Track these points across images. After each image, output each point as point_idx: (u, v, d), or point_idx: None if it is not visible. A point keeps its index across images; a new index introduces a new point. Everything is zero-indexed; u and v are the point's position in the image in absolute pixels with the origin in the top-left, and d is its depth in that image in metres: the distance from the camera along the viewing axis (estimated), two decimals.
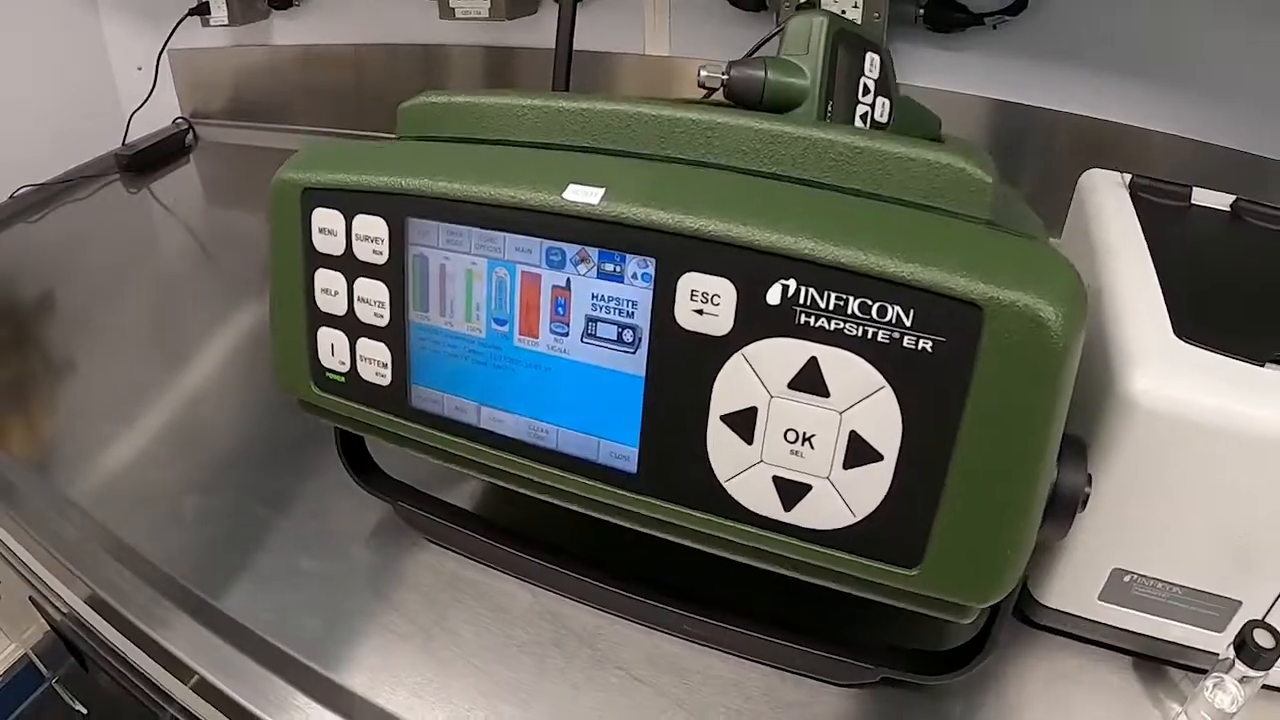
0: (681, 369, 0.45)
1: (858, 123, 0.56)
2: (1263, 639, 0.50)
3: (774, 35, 0.88)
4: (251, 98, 1.48)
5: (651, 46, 1.06)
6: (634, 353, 0.46)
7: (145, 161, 1.44)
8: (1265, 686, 0.53)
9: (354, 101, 1.38)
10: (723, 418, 0.45)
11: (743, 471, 0.45)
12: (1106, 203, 0.70)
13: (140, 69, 1.47)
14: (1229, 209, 0.71)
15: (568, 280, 0.47)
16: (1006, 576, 0.43)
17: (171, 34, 1.36)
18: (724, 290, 0.43)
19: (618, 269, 0.45)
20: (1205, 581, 0.54)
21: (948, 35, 0.92)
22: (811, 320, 0.41)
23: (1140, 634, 0.58)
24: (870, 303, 0.40)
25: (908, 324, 0.40)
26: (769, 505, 0.45)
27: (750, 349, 0.43)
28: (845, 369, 0.41)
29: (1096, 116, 0.91)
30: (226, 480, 0.78)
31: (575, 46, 1.09)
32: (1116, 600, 0.57)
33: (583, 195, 0.45)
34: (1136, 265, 0.60)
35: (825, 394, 0.42)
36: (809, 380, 0.42)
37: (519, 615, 0.63)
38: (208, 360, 0.95)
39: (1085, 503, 0.48)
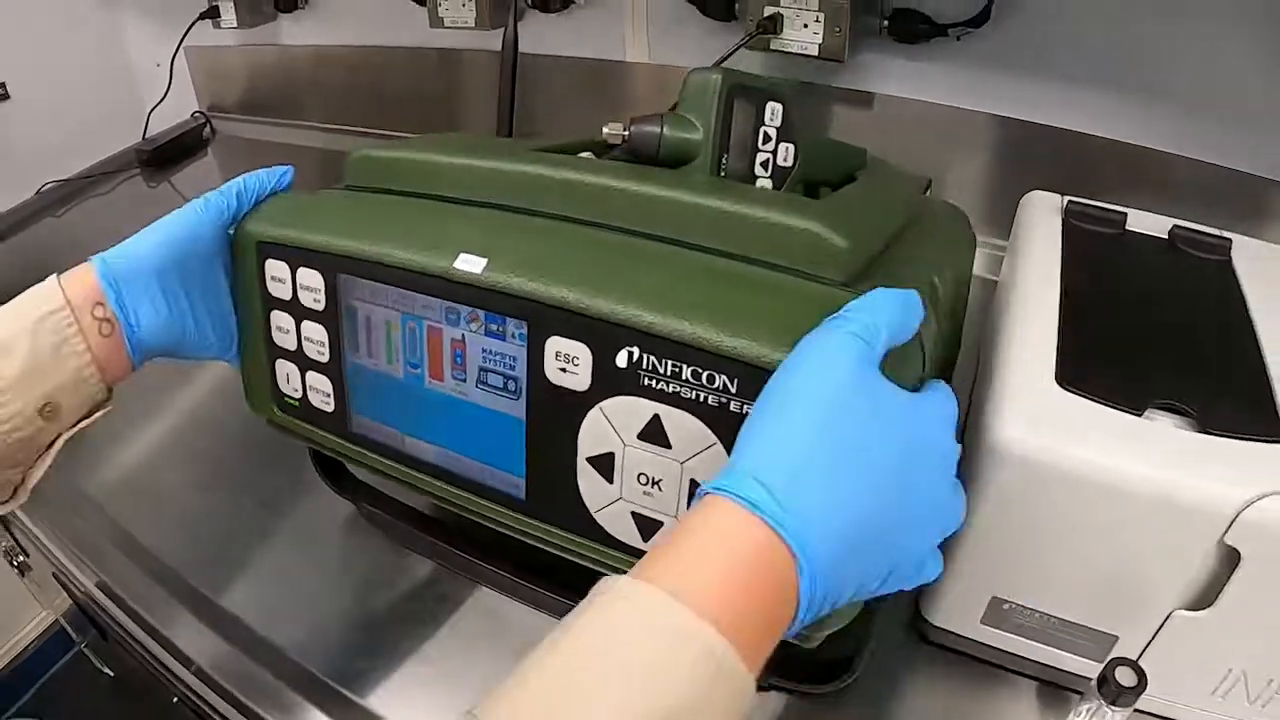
0: (554, 416, 0.52)
1: (759, 169, 0.61)
2: (1124, 678, 0.51)
3: (740, 47, 0.93)
4: (266, 93, 1.56)
5: (631, 53, 1.11)
6: (517, 399, 0.53)
7: (165, 155, 1.53)
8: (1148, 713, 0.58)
9: (363, 100, 1.45)
10: (588, 459, 0.51)
11: (607, 506, 0.52)
12: (1036, 228, 0.72)
13: (159, 65, 1.55)
14: (1166, 235, 0.72)
15: (463, 335, 0.54)
16: None
17: (186, 33, 1.43)
18: (581, 353, 0.49)
19: (500, 329, 0.52)
20: (1080, 615, 0.57)
21: (913, 46, 0.94)
22: (653, 383, 0.47)
23: (1023, 657, 0.61)
24: (701, 371, 0.46)
25: (733, 390, 0.45)
26: (630, 535, 0.52)
27: (606, 404, 0.49)
28: (683, 426, 0.47)
29: (1061, 126, 0.93)
30: (230, 480, 0.87)
31: (562, 53, 1.15)
32: (998, 624, 0.61)
33: (469, 265, 0.52)
34: (1040, 304, 0.63)
35: (668, 445, 0.48)
36: (654, 433, 0.48)
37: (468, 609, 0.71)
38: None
39: None
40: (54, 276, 0.53)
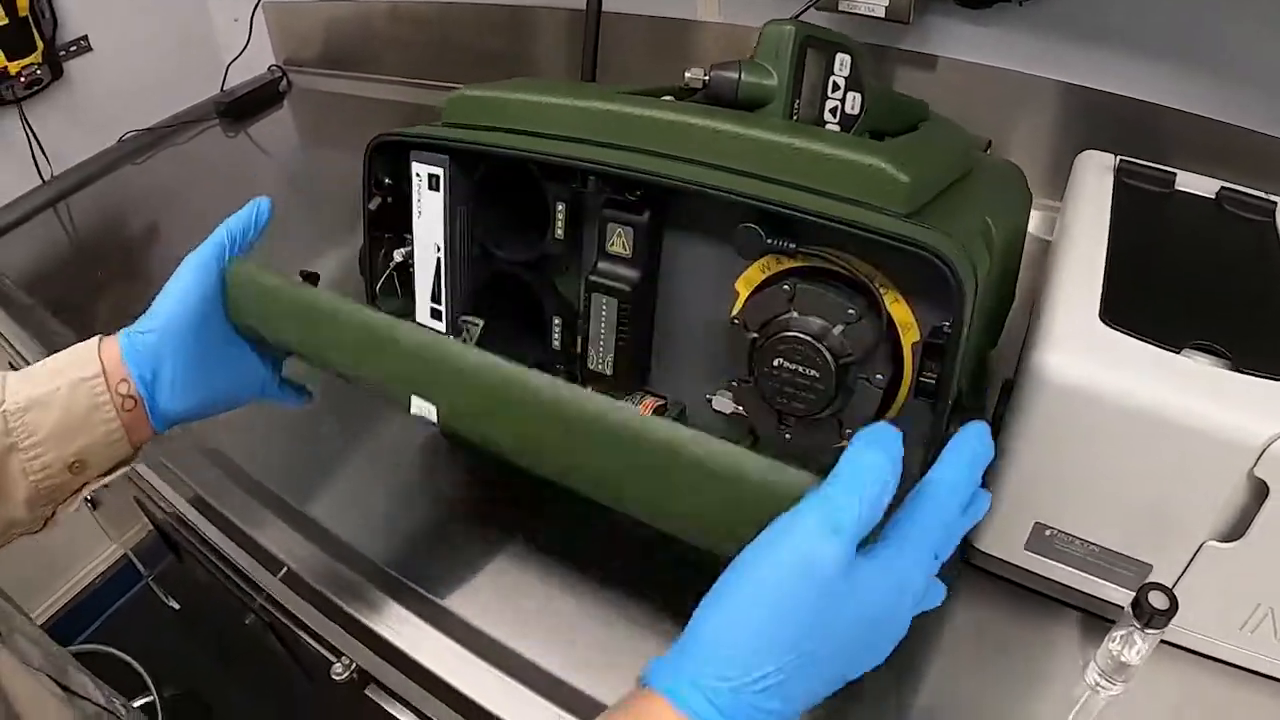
0: None
1: (828, 116, 0.67)
2: (1157, 600, 0.55)
3: (809, 7, 0.99)
4: (341, 48, 1.62)
5: (703, 12, 1.17)
6: None
7: (243, 108, 1.60)
8: (1179, 646, 0.62)
9: (436, 54, 1.50)
10: None
11: None
12: (1088, 185, 0.77)
13: (236, 20, 1.62)
14: (1214, 196, 0.76)
15: None
16: None
17: None
18: None
19: None
20: (1118, 543, 0.62)
21: (977, 10, 0.99)
22: None
23: (1061, 583, 0.66)
24: None
25: None
26: None
27: None
28: None
29: (1119, 93, 0.97)
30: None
31: (632, 11, 1.21)
32: (1040, 551, 0.66)
33: (422, 409, 0.54)
34: (1089, 247, 0.68)
35: None
36: None
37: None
38: None
39: None
40: (95, 340, 0.58)
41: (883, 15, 0.99)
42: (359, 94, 1.60)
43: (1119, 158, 0.80)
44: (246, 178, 1.46)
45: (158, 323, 0.58)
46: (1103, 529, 0.62)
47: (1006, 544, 0.68)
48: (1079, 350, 0.59)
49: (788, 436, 0.61)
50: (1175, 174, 0.78)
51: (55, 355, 0.58)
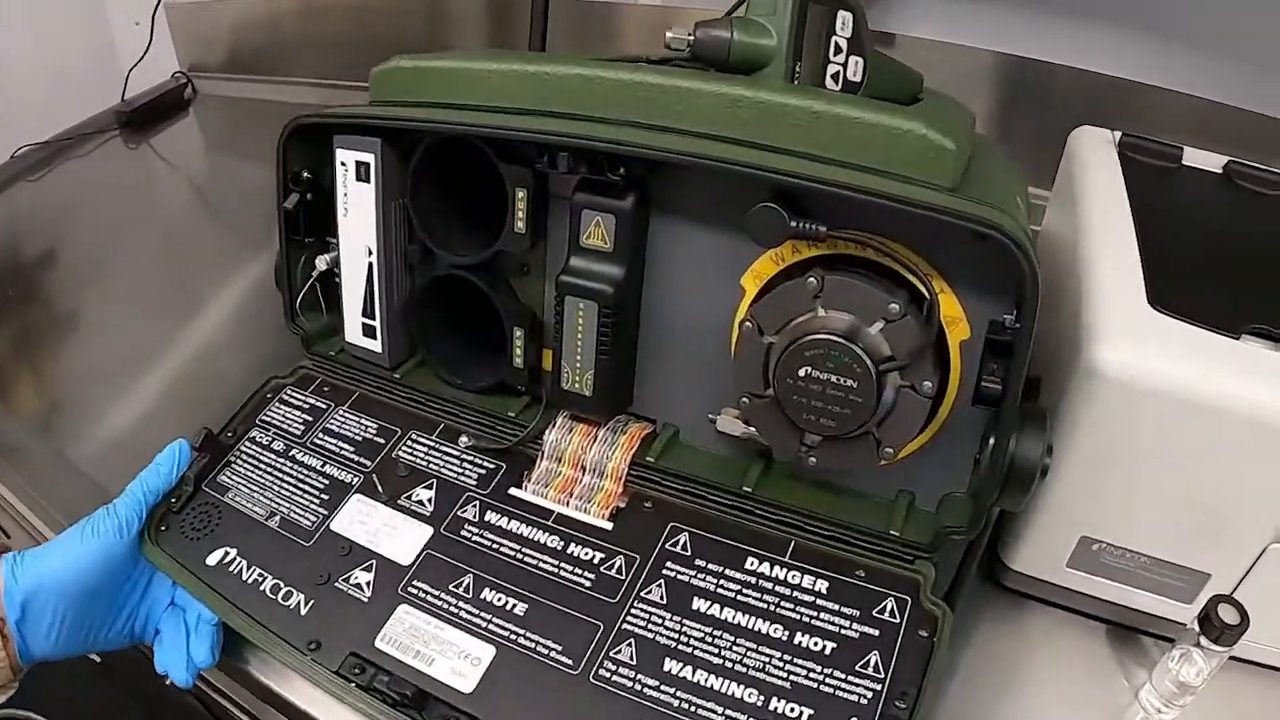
0: None
1: (829, 82, 0.55)
2: (1227, 615, 0.49)
3: None
4: (250, 50, 1.46)
5: None
6: None
7: (145, 117, 1.42)
8: (1233, 659, 0.53)
9: (352, 52, 1.35)
10: None
11: None
12: (1093, 161, 0.68)
13: (138, 24, 1.44)
14: (1221, 170, 0.68)
15: None
16: None
17: None
18: None
19: None
20: (1173, 553, 0.53)
21: None
22: None
23: (1108, 601, 0.57)
24: None
25: None
26: None
27: None
28: None
29: (1100, 72, 0.88)
30: None
31: None
32: (1085, 567, 0.56)
33: None
34: (1116, 228, 0.58)
35: None
36: None
37: None
38: (212, 315, 0.94)
39: (1045, 473, 0.47)
40: None
41: None
42: (270, 98, 1.44)
43: (1119, 133, 0.71)
44: (151, 192, 1.29)
45: (48, 573, 0.51)
46: (1156, 538, 0.53)
47: (1046, 562, 0.57)
48: (1135, 340, 0.49)
49: (811, 460, 0.48)
50: (1181, 149, 0.69)
51: None
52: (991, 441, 0.46)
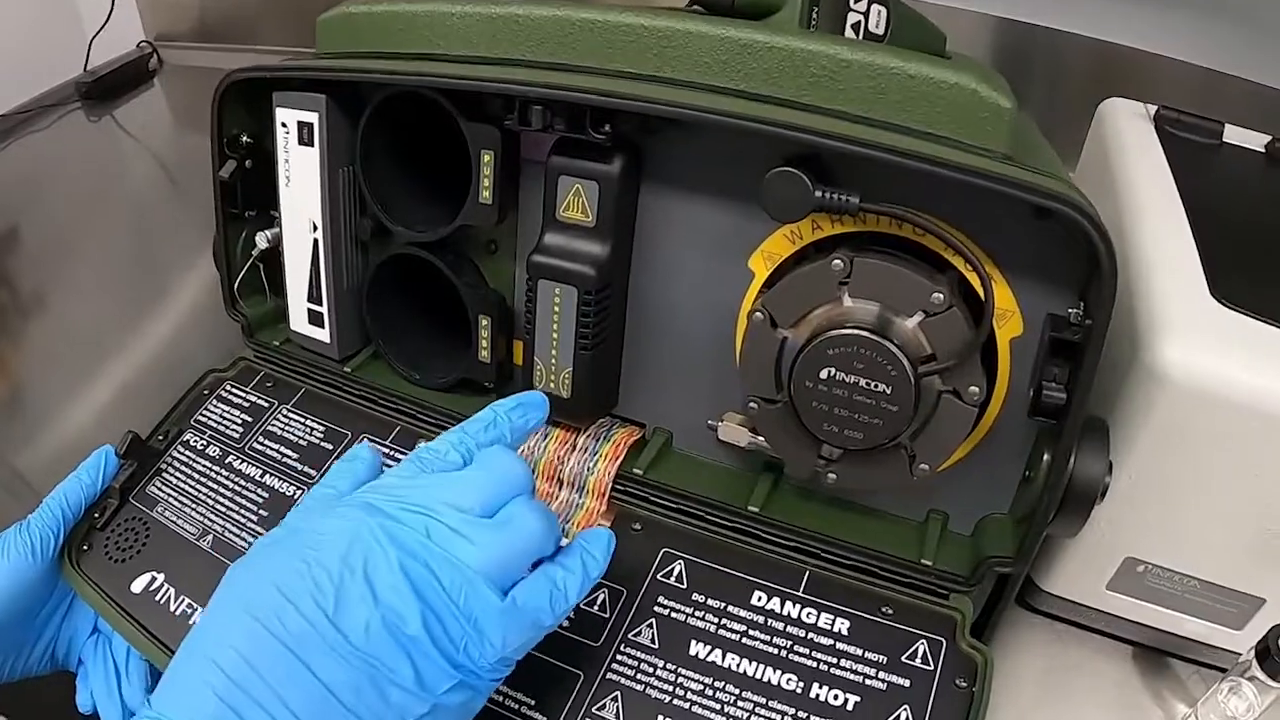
0: None
1: (848, 33, 0.45)
2: None
3: None
4: (219, 18, 1.34)
5: None
6: None
7: (108, 88, 1.30)
8: None
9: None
10: None
11: None
12: (1130, 137, 0.59)
13: None
14: (1264, 150, 0.60)
15: None
16: None
17: None
18: None
19: None
20: (1227, 576, 0.45)
21: None
22: None
23: (1149, 626, 0.49)
24: None
25: None
26: None
27: None
28: None
29: (1109, 40, 0.79)
30: None
31: None
32: (1126, 590, 0.48)
33: None
34: (1167, 212, 0.50)
35: None
36: None
37: None
38: (178, 299, 0.85)
39: (1105, 493, 0.38)
40: None
41: None
42: (238, 67, 1.32)
43: (1155, 107, 0.61)
44: (114, 166, 1.17)
45: None
46: (1209, 561, 0.45)
47: (1084, 584, 0.49)
48: (1201, 337, 0.40)
49: (831, 477, 0.38)
50: (1222, 125, 0.60)
51: None
52: (1046, 458, 0.36)
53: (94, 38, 1.34)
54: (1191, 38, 0.77)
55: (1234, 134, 0.61)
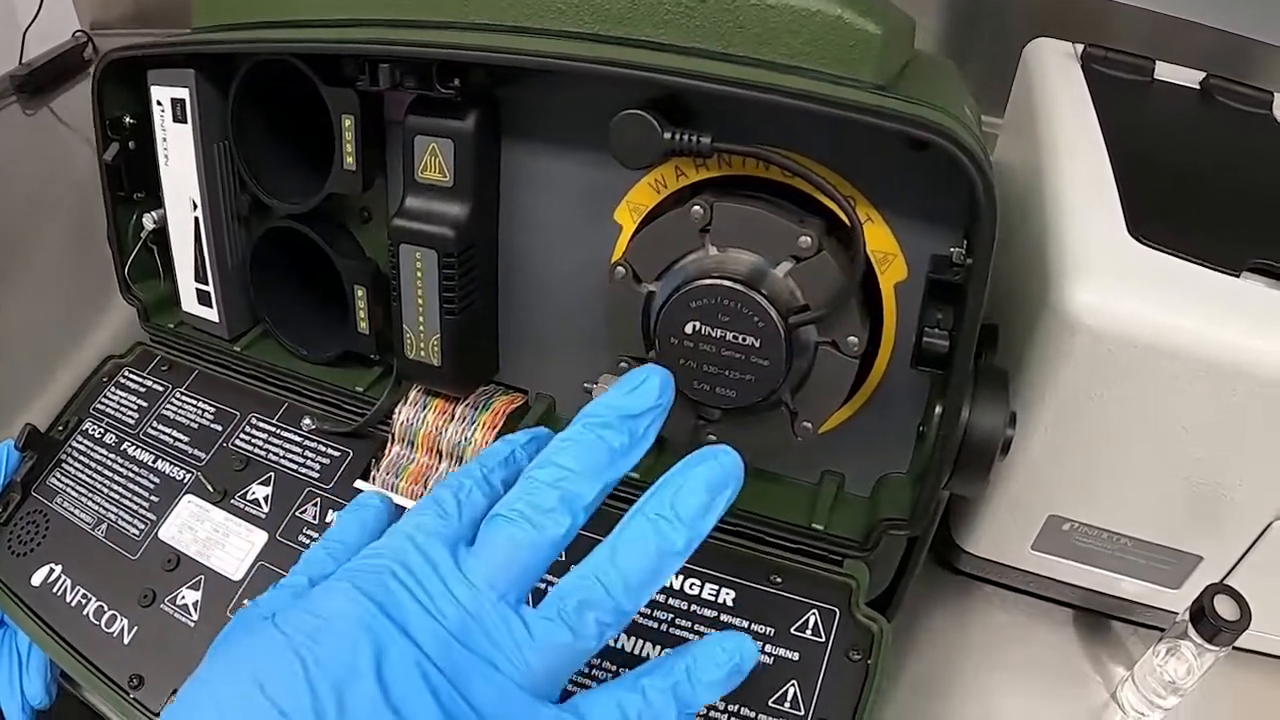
0: None
1: None
2: (1225, 609, 0.39)
3: None
4: (152, 2, 1.31)
5: None
6: None
7: (44, 80, 1.27)
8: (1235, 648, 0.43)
9: None
10: None
11: None
12: (1053, 75, 0.56)
13: None
14: (1198, 86, 0.58)
15: None
16: None
17: None
18: None
19: None
20: (1159, 533, 0.43)
21: None
22: None
23: (1080, 586, 0.47)
24: None
25: None
26: None
27: None
28: None
29: None
30: None
31: None
32: (1053, 550, 0.46)
33: None
34: (1086, 149, 0.47)
35: None
36: None
37: None
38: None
39: (1007, 448, 0.36)
40: None
41: None
42: None
43: (1082, 46, 0.59)
44: (54, 159, 1.15)
45: None
46: (1138, 517, 0.43)
47: (1007, 545, 0.47)
48: (1115, 278, 0.38)
49: (711, 439, 0.36)
50: (1153, 62, 0.58)
51: None
52: (939, 410, 0.34)
53: (27, 29, 1.31)
54: None
55: (1167, 71, 0.58)
